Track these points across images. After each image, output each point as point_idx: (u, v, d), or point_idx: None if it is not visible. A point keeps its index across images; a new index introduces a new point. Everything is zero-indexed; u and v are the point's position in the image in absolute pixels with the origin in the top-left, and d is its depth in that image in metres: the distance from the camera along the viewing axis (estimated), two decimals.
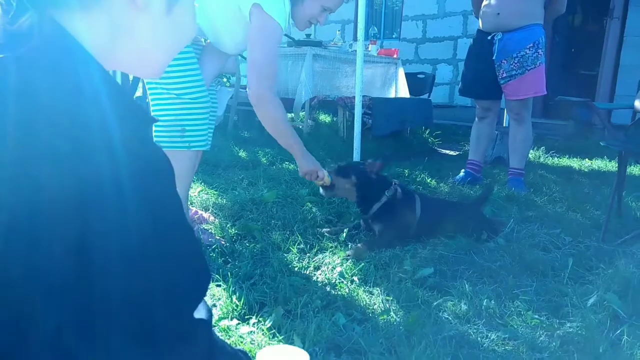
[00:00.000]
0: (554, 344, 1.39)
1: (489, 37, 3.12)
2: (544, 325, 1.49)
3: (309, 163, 2.05)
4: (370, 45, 5.42)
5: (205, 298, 1.63)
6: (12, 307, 0.41)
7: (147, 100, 1.93)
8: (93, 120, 0.45)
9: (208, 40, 2.05)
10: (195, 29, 0.64)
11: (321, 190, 2.21)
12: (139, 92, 4.72)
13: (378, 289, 1.69)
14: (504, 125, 4.55)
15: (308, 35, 5.51)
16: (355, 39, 5.06)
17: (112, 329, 0.44)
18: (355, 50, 3.72)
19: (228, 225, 2.22)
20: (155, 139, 1.91)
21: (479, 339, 1.41)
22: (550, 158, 4.45)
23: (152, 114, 1.91)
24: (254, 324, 1.45)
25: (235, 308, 1.52)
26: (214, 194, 2.74)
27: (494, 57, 3.11)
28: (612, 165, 4.02)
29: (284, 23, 1.81)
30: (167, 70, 1.81)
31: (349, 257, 1.94)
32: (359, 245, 2.06)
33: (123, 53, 0.56)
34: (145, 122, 0.54)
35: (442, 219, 2.22)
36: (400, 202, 2.18)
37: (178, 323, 0.50)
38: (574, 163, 4.26)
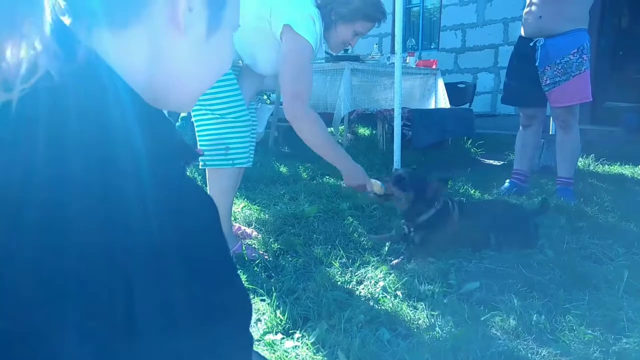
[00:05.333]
0: None
1: (531, 44, 3.06)
2: (598, 340, 1.43)
3: (356, 177, 2.03)
4: (408, 57, 5.40)
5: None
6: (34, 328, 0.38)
7: (191, 120, 1.99)
8: (122, 160, 0.42)
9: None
10: (232, 59, 0.61)
11: (372, 195, 2.13)
12: (183, 113, 4.89)
13: (422, 303, 1.67)
14: (550, 132, 4.42)
15: (346, 50, 5.54)
16: (393, 51, 5.06)
17: None
18: (394, 63, 3.72)
19: (271, 240, 2.25)
20: (200, 159, 1.97)
21: (529, 355, 1.37)
22: (601, 166, 4.27)
23: (197, 133, 1.97)
24: (298, 338, 1.46)
25: (280, 322, 1.54)
26: (256, 210, 2.78)
27: (536, 64, 3.04)
28: None
29: (315, 42, 1.85)
30: (210, 92, 1.87)
31: (393, 268, 1.95)
32: (400, 258, 2.07)
33: (160, 80, 0.53)
34: (187, 157, 0.52)
35: (484, 227, 2.18)
36: (447, 215, 2.16)
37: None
38: (626, 170, 4.08)
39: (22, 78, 0.39)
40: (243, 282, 1.81)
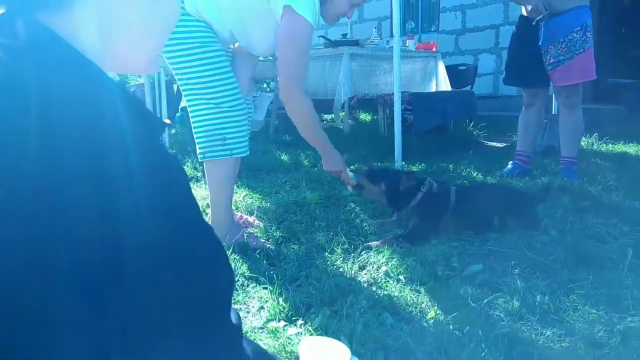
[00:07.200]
0: (614, 339, 1.32)
1: (534, 22, 3.01)
2: (603, 320, 1.42)
3: (334, 163, 2.09)
4: (408, 41, 5.35)
5: (246, 302, 1.62)
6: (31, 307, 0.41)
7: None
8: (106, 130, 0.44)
9: (237, 44, 2.08)
10: (180, 9, 0.64)
11: (349, 187, 2.23)
12: (183, 103, 4.87)
13: (425, 287, 1.66)
14: (553, 112, 4.38)
15: (344, 35, 5.50)
16: (392, 35, 5.01)
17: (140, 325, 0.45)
18: (393, 47, 3.68)
19: (273, 228, 2.24)
20: (198, 149, 1.95)
21: (533, 336, 1.36)
22: (604, 145, 4.24)
23: (192, 124, 1.95)
24: (301, 325, 1.46)
25: (283, 310, 1.54)
26: (258, 198, 2.78)
27: (540, 43, 3.00)
28: None
29: (314, 21, 1.82)
30: (205, 81, 1.85)
31: (371, 247, 2.00)
32: (388, 237, 2.09)
33: (116, 49, 0.55)
34: (157, 128, 0.54)
35: (482, 211, 2.17)
36: (436, 198, 2.15)
37: (207, 324, 0.50)
38: (630, 149, 4.04)
39: None
40: (238, 267, 1.81)
